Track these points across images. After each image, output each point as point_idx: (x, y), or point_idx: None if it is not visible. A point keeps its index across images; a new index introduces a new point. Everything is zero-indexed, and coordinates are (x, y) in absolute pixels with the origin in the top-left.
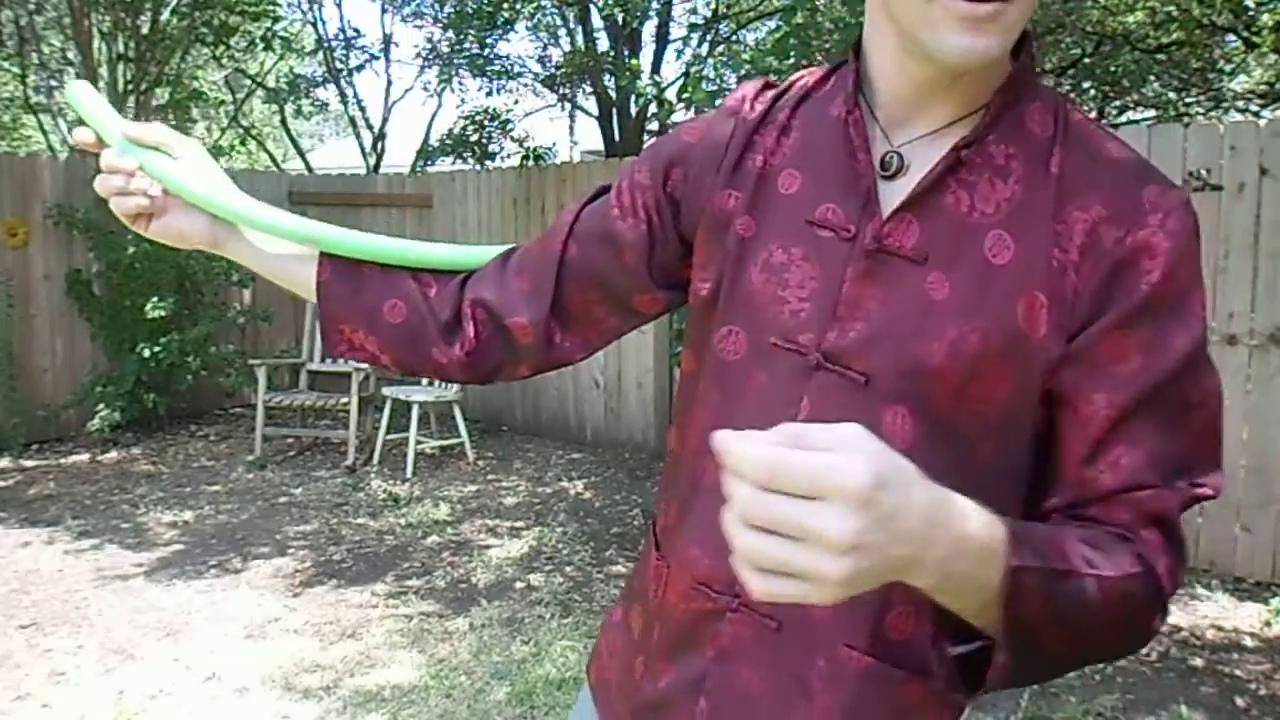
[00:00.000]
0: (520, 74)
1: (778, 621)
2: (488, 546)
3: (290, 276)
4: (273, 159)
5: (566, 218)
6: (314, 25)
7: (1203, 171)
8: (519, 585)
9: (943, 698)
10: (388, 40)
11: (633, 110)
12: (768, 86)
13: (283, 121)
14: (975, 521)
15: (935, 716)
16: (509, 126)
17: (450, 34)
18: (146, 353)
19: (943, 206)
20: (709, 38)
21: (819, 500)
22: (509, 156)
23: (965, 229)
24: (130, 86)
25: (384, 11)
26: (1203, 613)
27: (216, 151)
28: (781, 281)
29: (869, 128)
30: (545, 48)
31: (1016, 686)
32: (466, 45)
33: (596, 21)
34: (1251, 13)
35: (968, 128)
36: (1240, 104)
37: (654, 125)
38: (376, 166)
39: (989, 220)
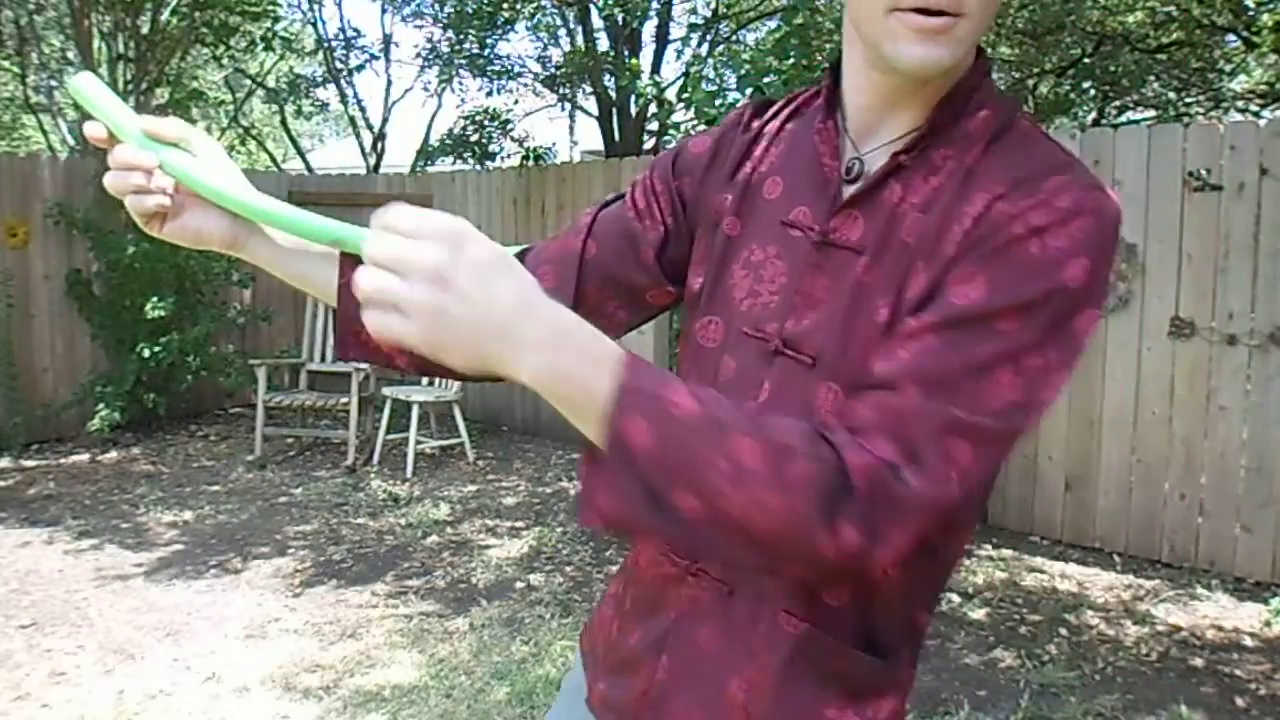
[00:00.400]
0: (520, 74)
1: (730, 586)
2: (488, 546)
3: (311, 279)
4: (273, 159)
5: (584, 219)
6: (314, 25)
7: (1203, 171)
8: (519, 585)
9: (880, 670)
10: (388, 40)
11: (633, 110)
12: (766, 104)
13: (283, 121)
14: (585, 326)
15: (868, 686)
16: (509, 126)
17: (450, 34)
18: (146, 353)
19: (881, 201)
20: (709, 38)
21: (419, 239)
22: (509, 156)
23: (894, 217)
24: (130, 86)
25: (384, 11)
26: (1203, 613)
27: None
28: (758, 277)
29: (840, 137)
30: (545, 48)
31: (640, 531)
32: (466, 45)
33: (596, 21)
34: (1251, 13)
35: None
36: (1240, 104)
37: (654, 125)
38: (376, 166)
39: (914, 207)
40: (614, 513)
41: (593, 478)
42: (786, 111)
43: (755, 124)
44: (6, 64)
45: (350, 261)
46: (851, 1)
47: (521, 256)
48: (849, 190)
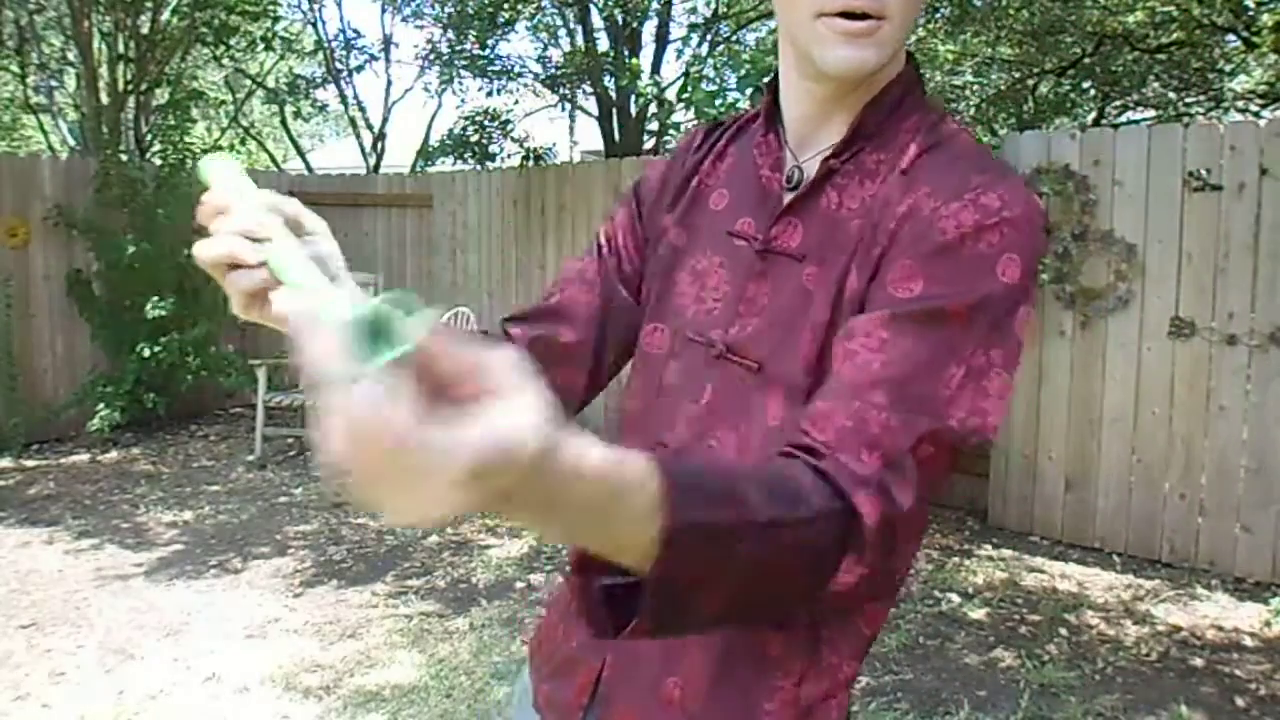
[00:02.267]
0: (520, 74)
1: None
2: (488, 546)
3: None
4: (273, 159)
5: (595, 246)
6: (314, 26)
7: (1203, 171)
8: (519, 585)
9: (814, 653)
10: (388, 41)
11: (633, 110)
12: (716, 125)
13: (283, 122)
14: (607, 481)
15: (803, 669)
16: (509, 127)
17: (450, 34)
18: (146, 353)
19: (819, 208)
20: (709, 38)
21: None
22: (509, 157)
23: (834, 224)
24: (130, 86)
25: (384, 12)
26: (1203, 613)
27: (217, 151)
28: (703, 285)
29: (782, 150)
30: (545, 48)
31: (659, 636)
32: (467, 46)
33: (596, 21)
34: (1251, 13)
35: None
36: (1240, 104)
37: (654, 125)
38: (377, 167)
39: (853, 214)
40: (643, 634)
41: (644, 634)
42: (733, 129)
43: (704, 144)
44: (6, 64)
45: None
46: (782, 12)
47: (518, 319)
48: (792, 198)
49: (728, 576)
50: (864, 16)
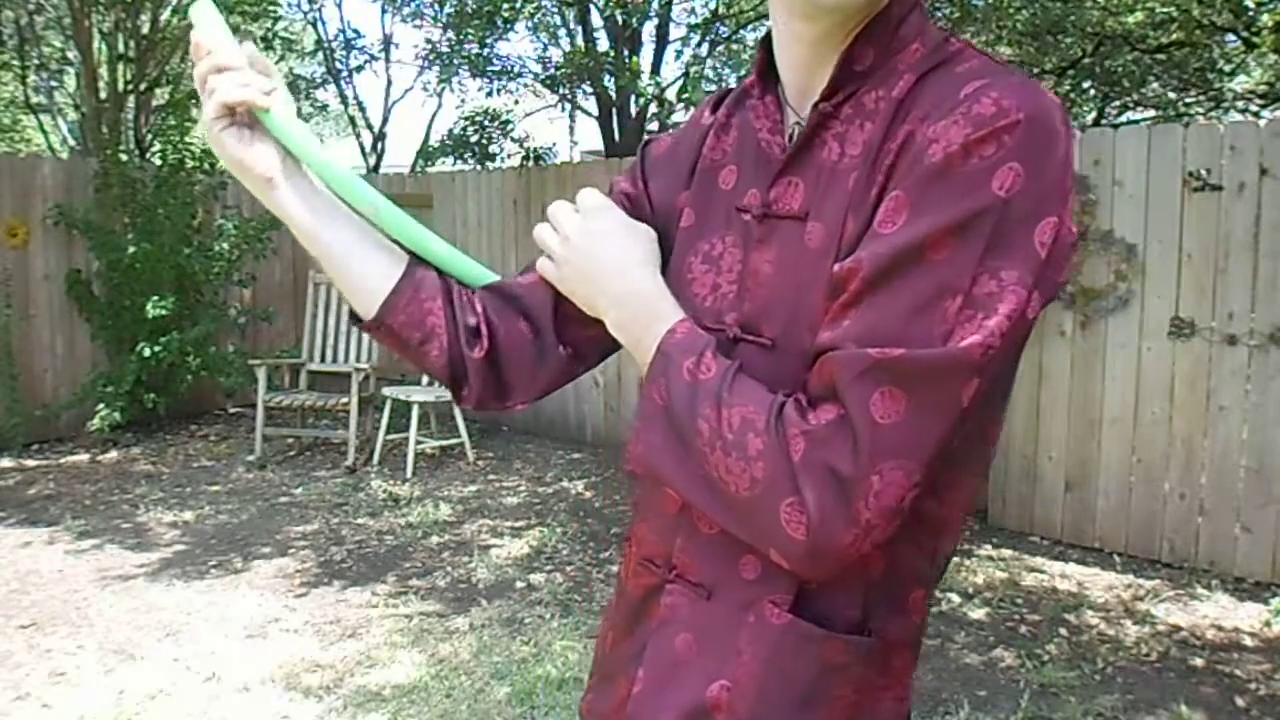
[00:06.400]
0: (520, 74)
1: (708, 590)
2: (488, 546)
3: (344, 249)
4: None
5: None
6: (314, 26)
7: (1203, 171)
8: (519, 585)
9: (876, 661)
10: (388, 41)
11: (633, 110)
12: (725, 95)
13: None
14: (662, 295)
15: (863, 680)
16: (509, 127)
17: (450, 34)
18: (146, 352)
19: (818, 161)
20: (709, 38)
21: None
22: (509, 157)
23: (836, 175)
24: (130, 86)
25: (384, 12)
26: (1203, 613)
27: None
28: (717, 269)
29: (782, 108)
30: (545, 48)
31: (661, 479)
32: (466, 45)
33: (596, 21)
34: (1251, 13)
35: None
36: (1240, 104)
37: (654, 125)
38: (376, 166)
39: (854, 162)
40: (636, 455)
41: (636, 423)
42: (735, 96)
43: (709, 116)
44: (7, 62)
45: (415, 258)
46: None
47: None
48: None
49: (685, 431)
50: None
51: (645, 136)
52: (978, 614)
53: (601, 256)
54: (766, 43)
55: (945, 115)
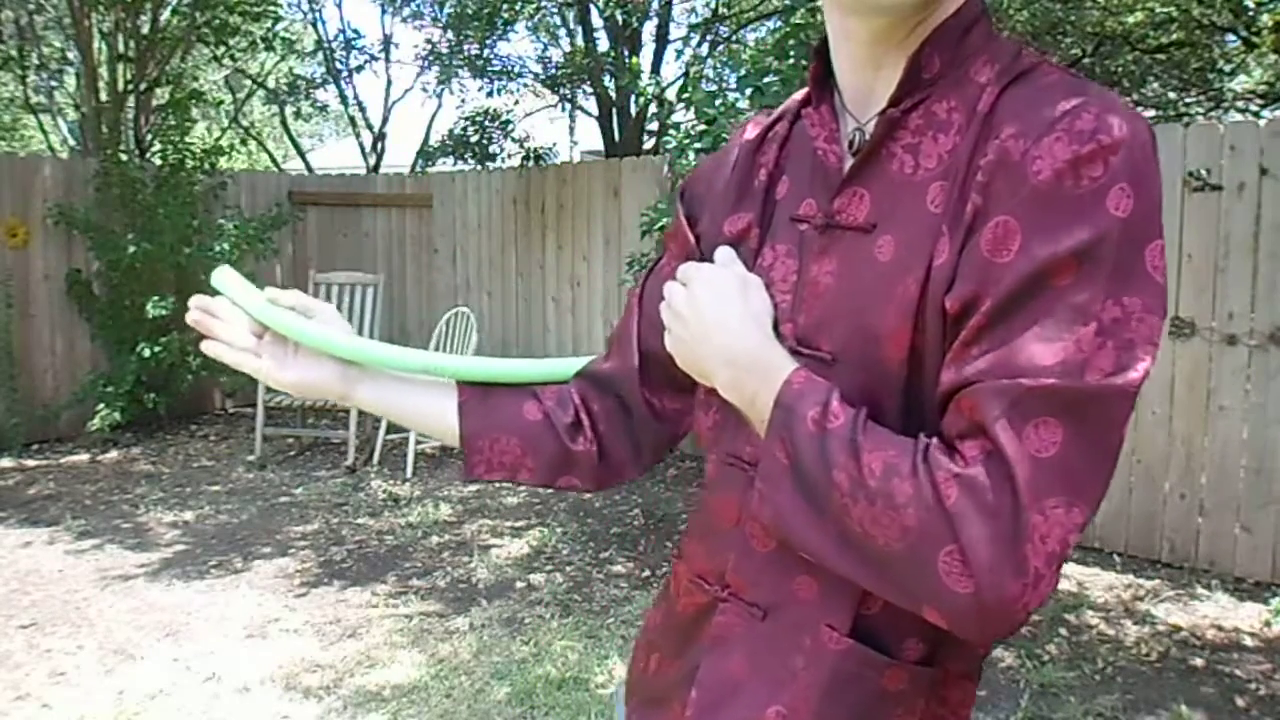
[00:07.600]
0: (520, 74)
1: (763, 610)
2: (488, 546)
3: (423, 410)
4: (273, 159)
5: (634, 292)
6: (314, 26)
7: (1203, 171)
8: (519, 585)
9: (937, 692)
10: (388, 41)
11: (633, 110)
12: (777, 118)
13: (283, 122)
14: (773, 349)
15: (924, 711)
16: (509, 127)
17: (450, 34)
18: (146, 352)
19: (888, 172)
20: (709, 38)
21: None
22: (509, 157)
23: (911, 188)
24: (130, 86)
25: (384, 12)
26: (1203, 613)
27: (217, 151)
28: (770, 280)
29: (839, 116)
30: (545, 48)
31: (793, 545)
32: (466, 46)
33: (596, 21)
34: (1251, 13)
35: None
36: (1240, 104)
37: (654, 125)
38: (376, 167)
39: (931, 174)
40: (764, 519)
41: (758, 484)
42: (792, 109)
43: (755, 132)
44: (7, 61)
45: (464, 384)
46: None
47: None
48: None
49: (819, 485)
50: None
51: (646, 136)
52: None
53: (710, 318)
54: (820, 51)
55: (1046, 132)
